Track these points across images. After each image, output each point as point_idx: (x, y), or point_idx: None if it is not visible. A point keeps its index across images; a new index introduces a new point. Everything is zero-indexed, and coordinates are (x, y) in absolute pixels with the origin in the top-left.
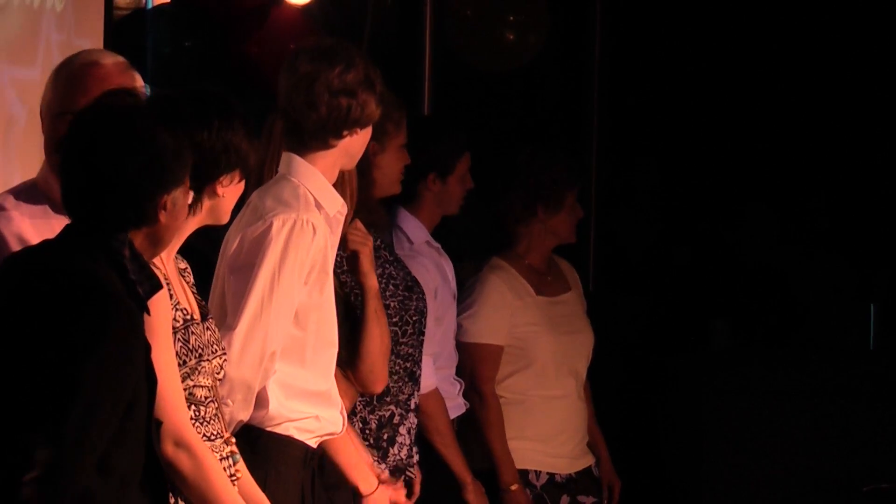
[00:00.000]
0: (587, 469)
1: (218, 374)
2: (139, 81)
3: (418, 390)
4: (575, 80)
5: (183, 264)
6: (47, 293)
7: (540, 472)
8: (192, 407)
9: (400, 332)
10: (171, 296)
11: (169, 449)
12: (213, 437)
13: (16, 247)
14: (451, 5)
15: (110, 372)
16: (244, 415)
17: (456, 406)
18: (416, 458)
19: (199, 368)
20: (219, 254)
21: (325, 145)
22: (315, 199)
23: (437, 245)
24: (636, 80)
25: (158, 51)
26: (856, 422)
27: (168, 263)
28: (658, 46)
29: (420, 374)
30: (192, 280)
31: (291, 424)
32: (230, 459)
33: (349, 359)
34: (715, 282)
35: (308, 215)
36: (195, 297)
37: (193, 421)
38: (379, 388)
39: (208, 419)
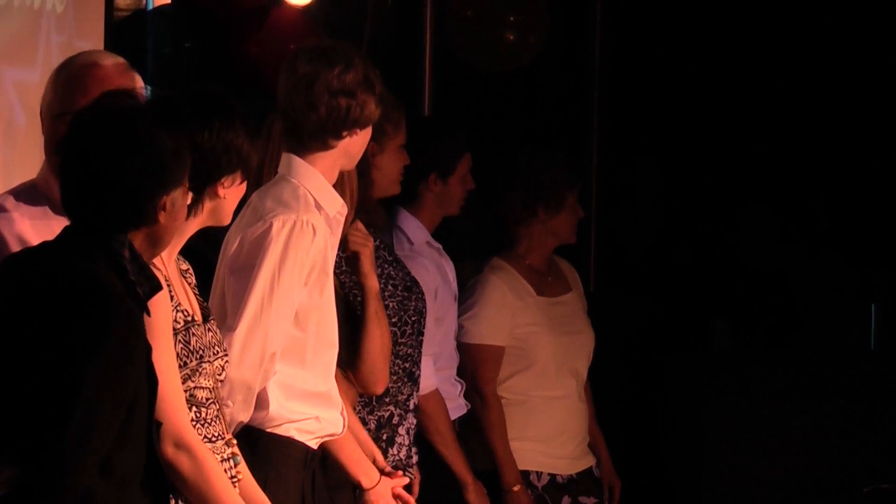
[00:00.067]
0: (588, 470)
1: (219, 375)
2: (139, 82)
3: (417, 391)
4: (575, 81)
5: (185, 265)
6: (48, 294)
7: (541, 472)
8: (194, 408)
9: (399, 333)
10: (171, 297)
11: (169, 450)
12: (214, 439)
13: (16, 248)
14: (452, 6)
15: (111, 373)
16: (244, 416)
17: (457, 407)
18: (415, 458)
19: (200, 370)
20: (219, 255)
21: (325, 146)
22: (315, 199)
23: (438, 245)
24: (636, 80)
25: (159, 52)
26: (856, 422)
27: (169, 264)
28: (658, 46)
29: (419, 375)
30: (195, 281)
31: (292, 425)
32: (231, 461)
33: (350, 360)
34: (715, 282)
35: (308, 216)
36: (197, 299)
37: (194, 422)
38: (380, 388)
39: (209, 421)
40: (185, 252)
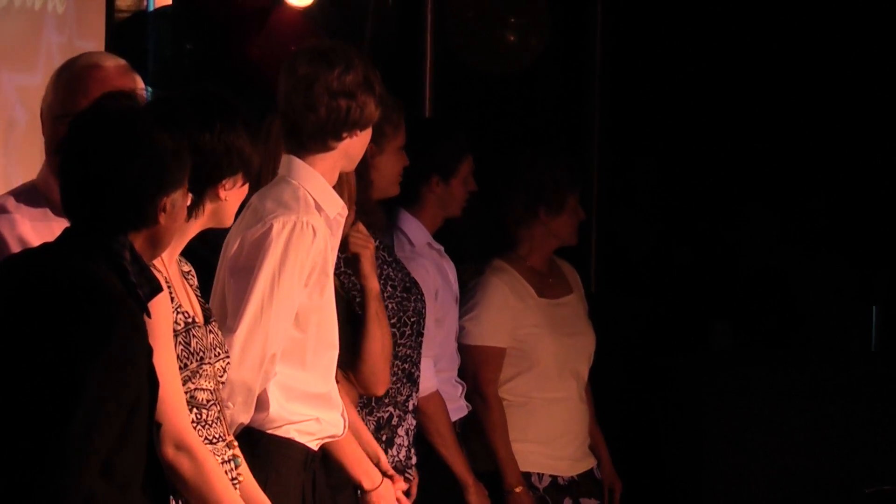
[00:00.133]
0: (589, 471)
1: (221, 377)
2: (140, 84)
3: (416, 392)
4: (576, 82)
5: (187, 267)
6: (49, 295)
7: (542, 474)
8: (194, 410)
9: (398, 334)
10: (172, 298)
11: (169, 452)
12: (215, 441)
13: (17, 249)
14: (452, 7)
15: (113, 374)
16: (245, 417)
17: (458, 408)
18: (414, 459)
19: (201, 371)
20: (219, 257)
21: (325, 147)
22: (315, 201)
23: (440, 247)
24: (636, 81)
25: (160, 53)
26: (857, 423)
27: (170, 266)
28: (658, 47)
29: (418, 376)
30: (196, 283)
31: (292, 427)
32: (232, 462)
33: (350, 361)
34: (715, 283)
35: (308, 217)
36: (198, 300)
37: (195, 424)
38: (381, 390)
39: (210, 422)
40: (186, 253)
